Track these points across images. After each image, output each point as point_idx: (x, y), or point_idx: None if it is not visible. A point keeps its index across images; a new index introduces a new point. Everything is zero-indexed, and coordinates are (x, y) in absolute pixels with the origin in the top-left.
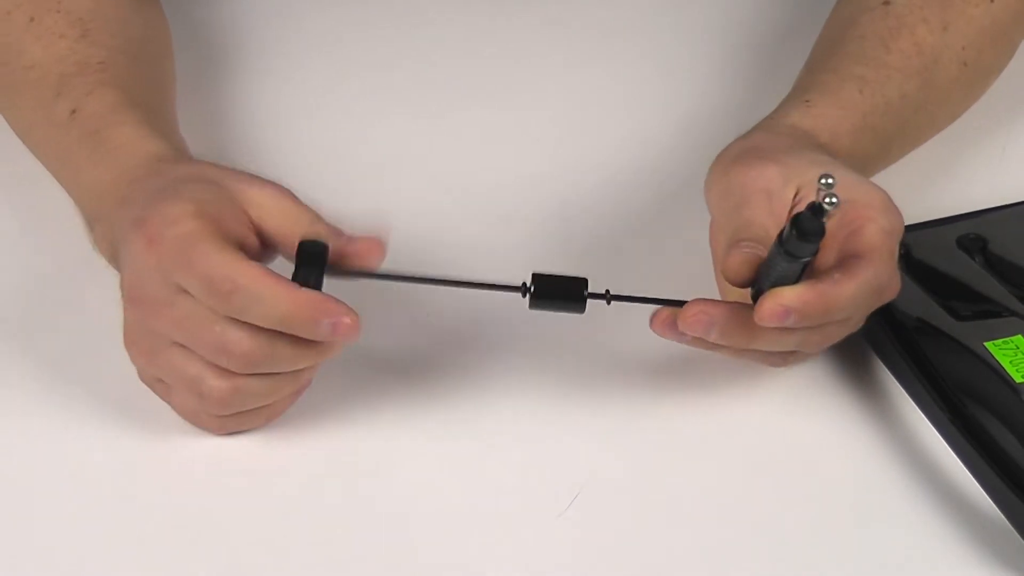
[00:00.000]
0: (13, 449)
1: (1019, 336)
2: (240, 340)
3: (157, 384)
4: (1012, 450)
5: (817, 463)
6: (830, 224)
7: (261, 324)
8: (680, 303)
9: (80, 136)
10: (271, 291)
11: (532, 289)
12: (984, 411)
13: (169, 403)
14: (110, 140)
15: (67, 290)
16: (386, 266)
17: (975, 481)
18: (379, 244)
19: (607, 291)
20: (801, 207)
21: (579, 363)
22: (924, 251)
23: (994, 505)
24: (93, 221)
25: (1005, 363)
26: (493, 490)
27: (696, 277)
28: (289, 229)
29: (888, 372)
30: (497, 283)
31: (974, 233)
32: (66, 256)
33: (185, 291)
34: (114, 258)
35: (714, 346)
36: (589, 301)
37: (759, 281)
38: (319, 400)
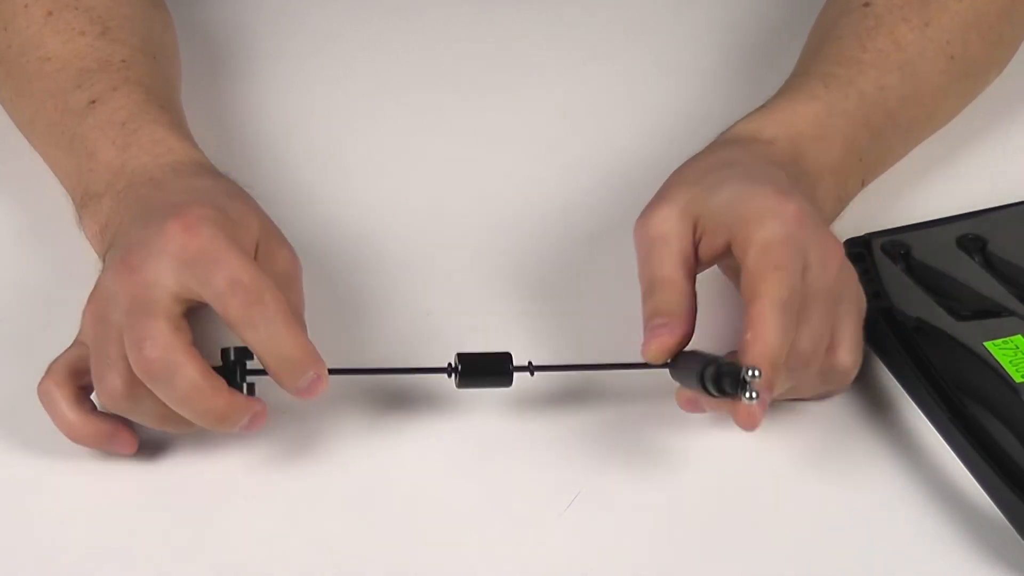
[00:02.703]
0: (13, 451)
1: (1019, 336)
2: (158, 343)
3: (81, 344)
4: (1012, 450)
5: (817, 462)
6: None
7: (192, 375)
8: (619, 367)
9: (101, 123)
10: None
11: (459, 368)
12: (984, 411)
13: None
14: (144, 133)
15: (65, 291)
16: (389, 263)
17: (975, 481)
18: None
19: (530, 362)
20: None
21: (575, 357)
22: (924, 251)
23: (994, 505)
24: (92, 198)
25: (1005, 363)
26: (493, 490)
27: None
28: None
29: (888, 372)
30: (423, 367)
31: (974, 233)
32: (67, 256)
33: (187, 294)
34: (101, 235)
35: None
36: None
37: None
38: (318, 399)
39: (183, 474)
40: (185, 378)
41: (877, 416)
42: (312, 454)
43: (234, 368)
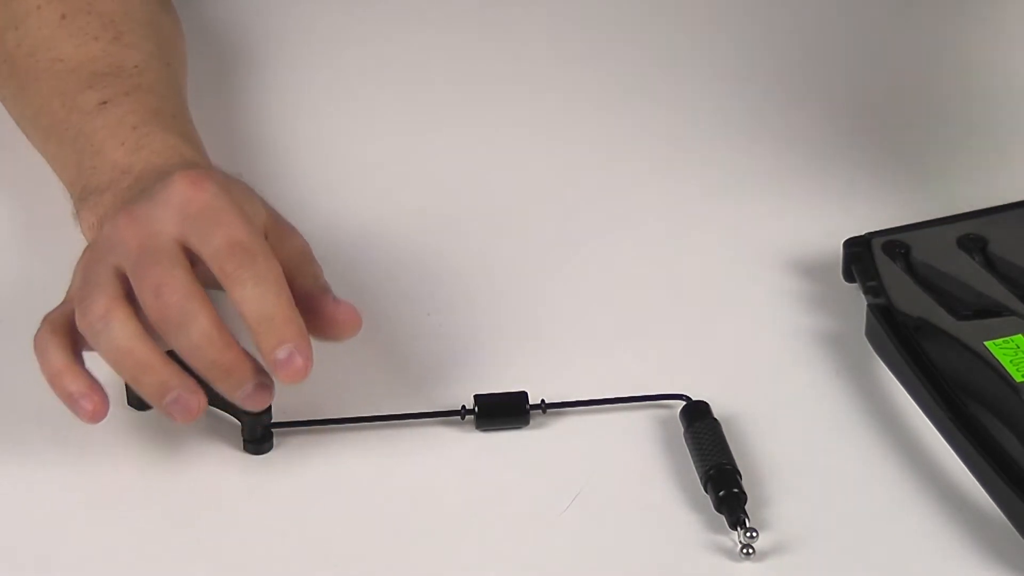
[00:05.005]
0: (12, 451)
1: (1019, 335)
2: (199, 321)
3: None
4: (1012, 449)
5: (817, 462)
6: None
7: (206, 325)
8: (620, 400)
9: (111, 124)
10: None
11: (476, 410)
12: (984, 410)
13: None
14: (156, 139)
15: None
16: (391, 263)
17: (975, 481)
18: (357, 318)
19: (543, 401)
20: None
21: (580, 359)
22: (924, 251)
23: (994, 505)
24: (93, 193)
25: (1005, 362)
26: (493, 490)
27: (696, 277)
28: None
29: (888, 371)
30: (436, 411)
31: (974, 233)
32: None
33: (185, 248)
34: (98, 226)
35: None
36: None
37: None
38: (318, 398)
39: (183, 474)
40: (200, 326)
41: (877, 416)
42: (312, 454)
43: None
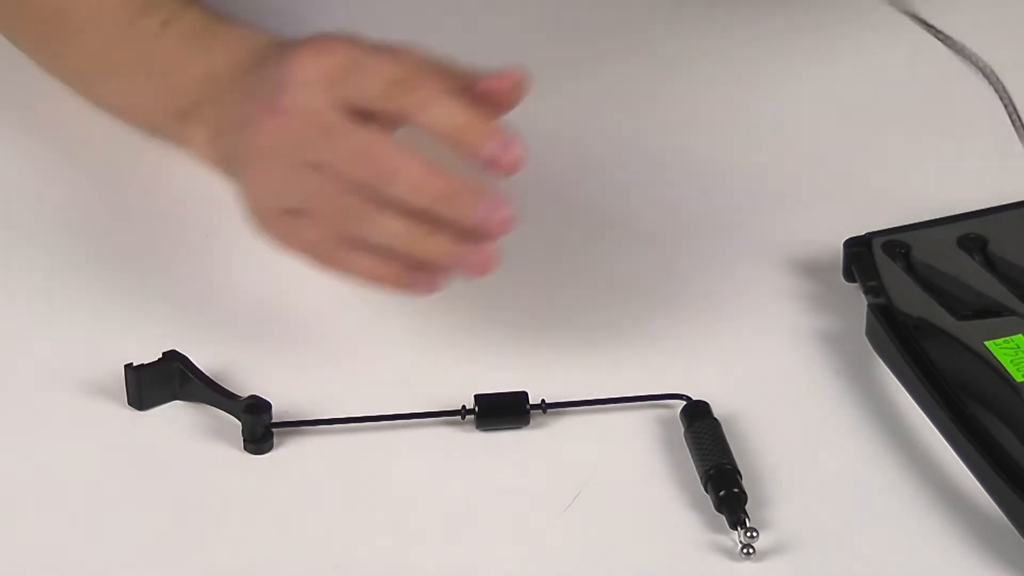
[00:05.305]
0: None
1: (1019, 335)
2: (412, 163)
3: (281, 220)
4: (1012, 449)
5: (817, 462)
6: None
7: (418, 162)
8: (624, 401)
9: (180, 37)
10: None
11: (476, 410)
12: (984, 410)
13: (292, 244)
14: (224, 34)
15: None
16: None
17: (975, 480)
18: (521, 73)
19: (543, 401)
20: None
21: (580, 359)
22: (924, 251)
23: (994, 505)
24: (189, 112)
25: (1005, 362)
26: (493, 490)
27: (696, 277)
28: None
29: (888, 371)
30: (436, 411)
31: (974, 233)
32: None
33: (353, 117)
34: (213, 142)
35: None
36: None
37: None
38: (318, 398)
39: (183, 474)
40: (413, 165)
41: (877, 415)
42: (312, 454)
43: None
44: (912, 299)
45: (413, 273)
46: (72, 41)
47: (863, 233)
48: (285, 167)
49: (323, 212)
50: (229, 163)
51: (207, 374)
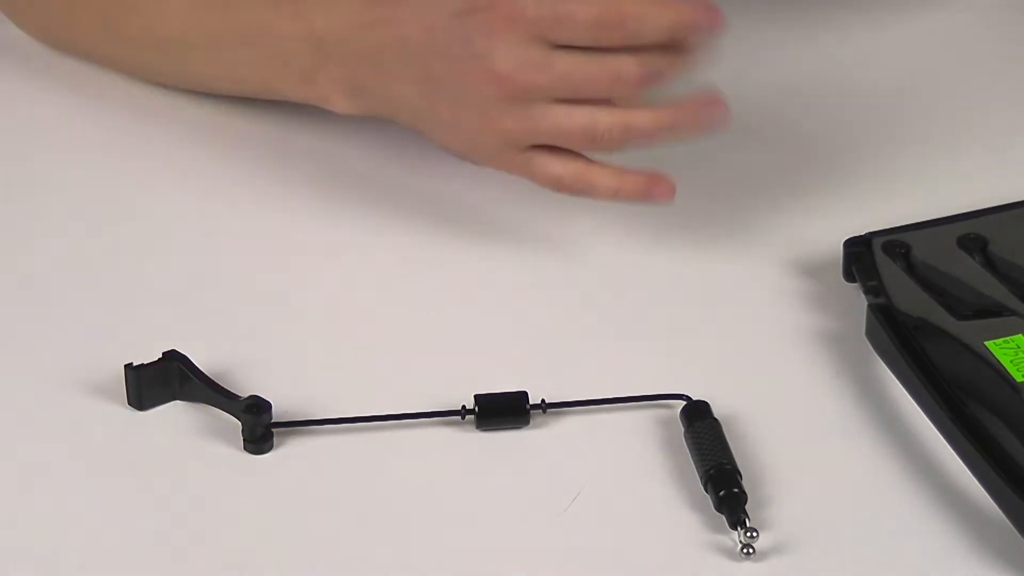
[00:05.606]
0: (12, 450)
1: (1019, 335)
2: (632, 64)
3: (517, 158)
4: (1012, 449)
5: (817, 462)
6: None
7: (652, 40)
8: (629, 400)
9: (269, 6)
10: (653, 8)
11: (476, 410)
12: (984, 410)
13: (538, 178)
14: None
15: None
16: (395, 262)
17: (975, 480)
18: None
19: (543, 401)
20: None
21: (580, 359)
22: (924, 251)
23: (994, 505)
24: (311, 80)
25: (1006, 362)
26: (493, 490)
27: (696, 277)
28: None
29: (888, 371)
30: (436, 411)
31: (974, 233)
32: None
33: (557, 48)
34: (356, 102)
35: None
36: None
37: None
38: (318, 398)
39: (183, 474)
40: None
41: (877, 415)
42: (312, 454)
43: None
44: (912, 299)
45: (653, 182)
46: (158, 11)
47: (863, 233)
48: (524, 116)
49: (564, 136)
50: (401, 115)
51: (207, 374)
